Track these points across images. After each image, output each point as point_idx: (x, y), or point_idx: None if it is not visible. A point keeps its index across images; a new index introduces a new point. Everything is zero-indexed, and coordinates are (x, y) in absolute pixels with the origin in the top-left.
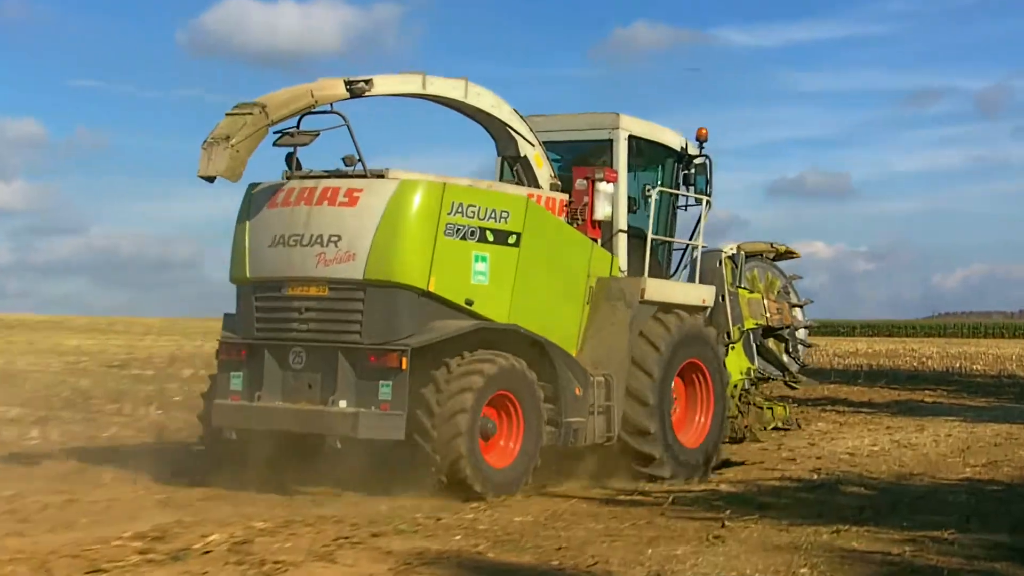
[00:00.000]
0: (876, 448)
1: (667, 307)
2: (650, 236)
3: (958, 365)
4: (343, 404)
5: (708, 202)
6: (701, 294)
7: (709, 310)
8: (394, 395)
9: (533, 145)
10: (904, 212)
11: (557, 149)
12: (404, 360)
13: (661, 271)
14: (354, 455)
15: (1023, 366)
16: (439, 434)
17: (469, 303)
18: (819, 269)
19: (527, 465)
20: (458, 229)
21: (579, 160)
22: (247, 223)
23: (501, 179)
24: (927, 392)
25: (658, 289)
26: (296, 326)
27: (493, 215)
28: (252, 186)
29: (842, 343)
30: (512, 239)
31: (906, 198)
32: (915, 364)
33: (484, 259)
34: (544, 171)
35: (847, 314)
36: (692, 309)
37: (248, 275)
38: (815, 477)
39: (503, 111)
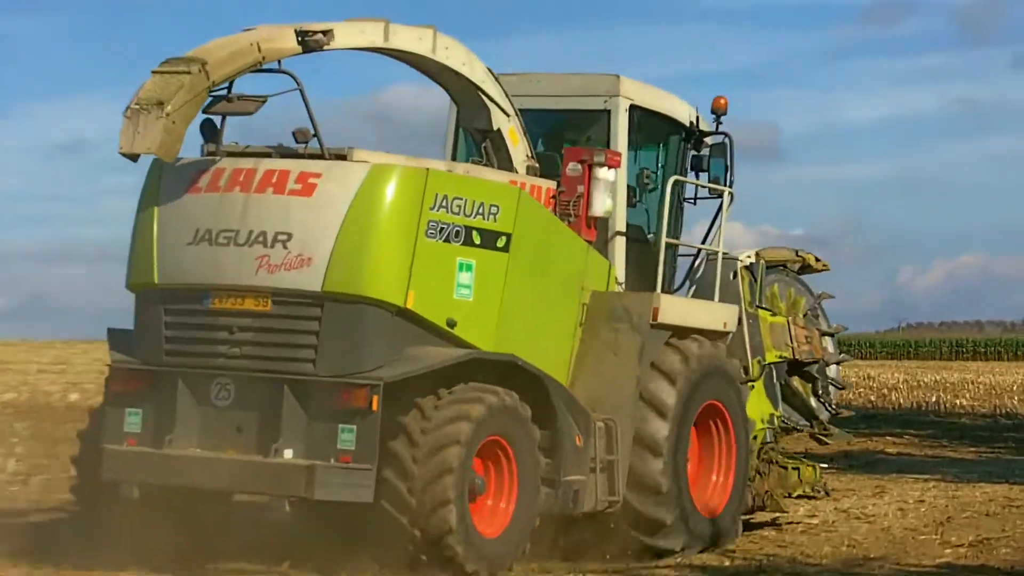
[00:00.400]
0: (816, 520)
1: (683, 332)
2: (663, 239)
3: (934, 399)
4: (288, 454)
5: (730, 194)
6: (722, 316)
7: (730, 336)
8: (359, 443)
9: (508, 116)
10: (858, 180)
11: (534, 119)
12: (375, 399)
13: (667, 284)
14: (297, 521)
15: None
16: (419, 503)
17: (451, 324)
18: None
19: (524, 530)
20: (441, 228)
21: (563, 135)
22: (155, 211)
23: (455, 157)
24: (890, 439)
25: (674, 309)
26: (224, 350)
27: (481, 210)
28: (159, 162)
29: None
30: (501, 242)
31: (860, 160)
32: (873, 398)
33: (469, 268)
34: (520, 149)
35: None
36: (711, 335)
37: (156, 280)
38: (726, 564)
39: (475, 71)
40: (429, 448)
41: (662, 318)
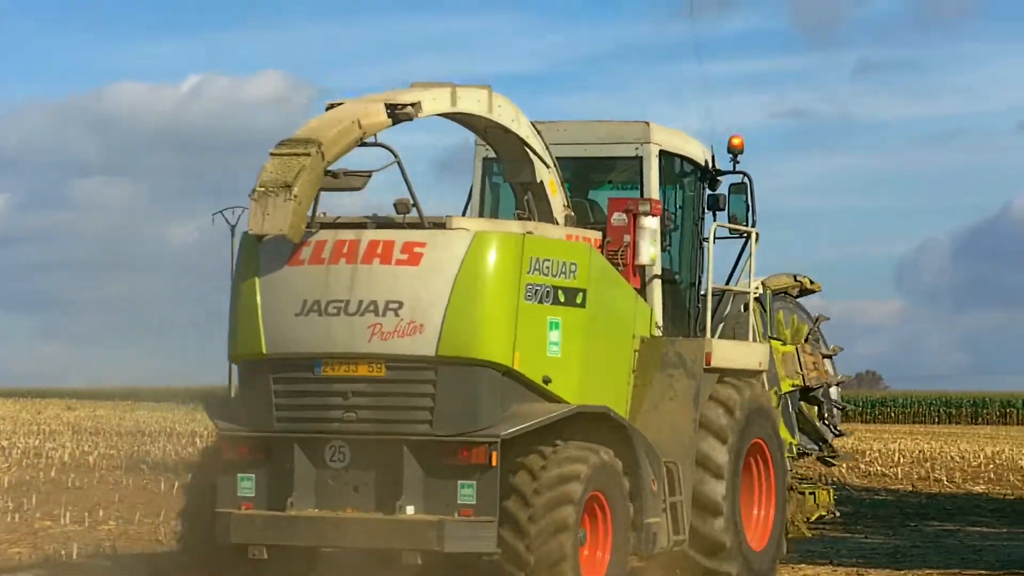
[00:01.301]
0: None
1: (723, 375)
2: (710, 284)
3: None
4: (410, 510)
5: (757, 234)
6: (758, 356)
7: (763, 375)
8: (479, 498)
9: (549, 167)
10: None
11: (562, 167)
12: (494, 454)
13: (697, 326)
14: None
15: (855, 467)
16: (537, 559)
17: (547, 381)
18: None
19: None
20: (536, 290)
21: (591, 181)
22: (255, 284)
23: (482, 211)
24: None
25: (723, 353)
26: (338, 414)
27: (563, 269)
28: (248, 236)
29: None
30: (579, 298)
31: None
32: None
33: (557, 326)
34: (558, 199)
35: None
36: (749, 374)
37: (264, 351)
38: None
39: (522, 126)
40: (543, 506)
41: (715, 363)
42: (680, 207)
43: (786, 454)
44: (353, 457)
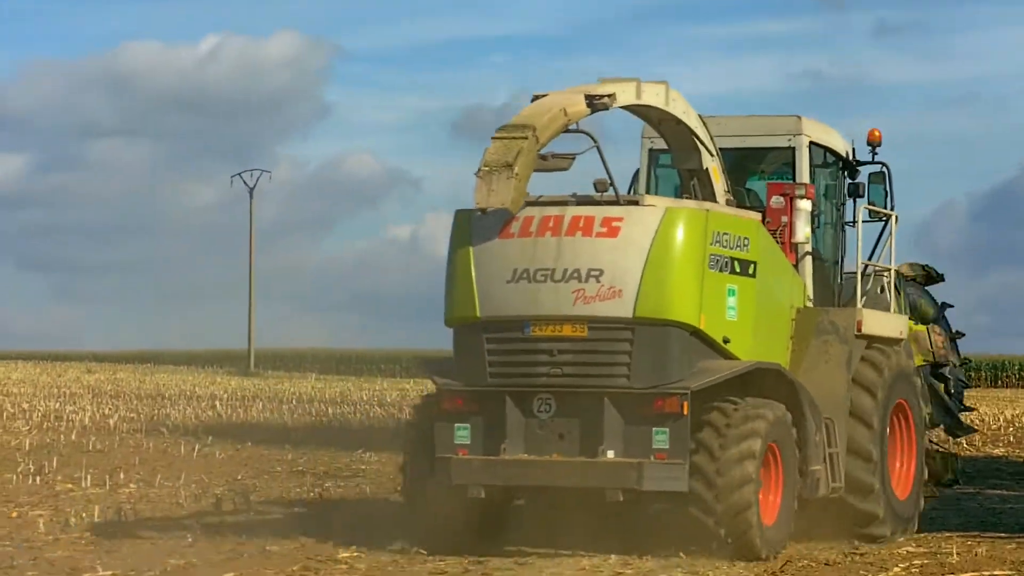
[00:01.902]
0: (631, 570)
1: (872, 342)
2: (859, 260)
3: None
4: (611, 454)
5: (896, 218)
6: (899, 325)
7: (903, 343)
8: (672, 443)
9: (713, 156)
10: None
11: (724, 157)
12: (685, 404)
13: (839, 298)
14: (603, 511)
15: None
16: (724, 508)
17: (726, 341)
18: None
19: (790, 517)
20: (717, 260)
21: (747, 169)
22: (470, 256)
23: (648, 192)
24: None
25: (872, 322)
26: (545, 370)
27: (739, 243)
28: (462, 212)
29: None
30: (751, 269)
31: None
32: None
33: (733, 292)
34: (720, 185)
35: None
36: (892, 342)
37: (478, 314)
38: None
39: (691, 117)
40: (733, 439)
41: (864, 330)
42: (824, 194)
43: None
44: (558, 408)
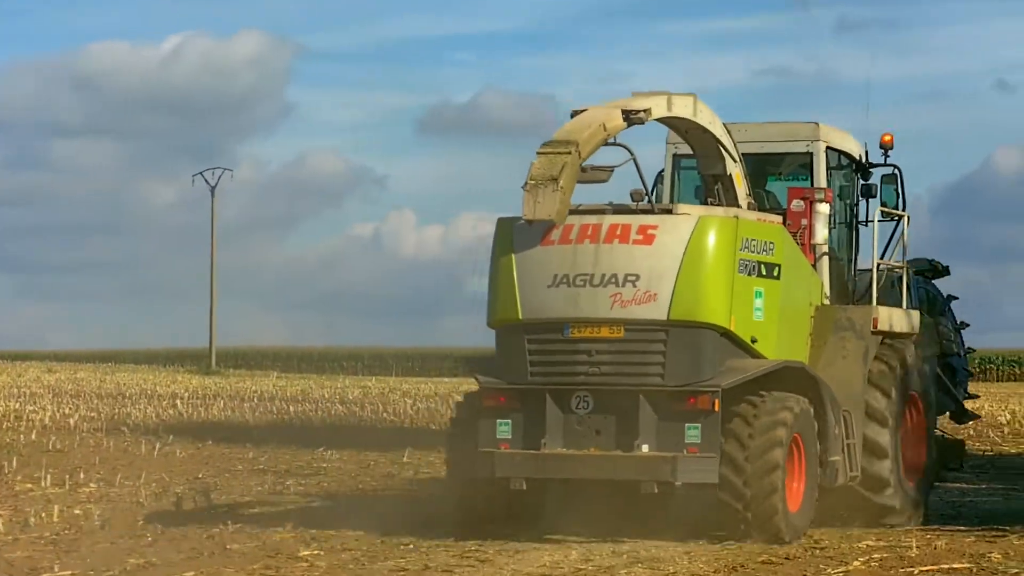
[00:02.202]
0: (591, 566)
1: (886, 337)
2: (875, 260)
3: None
4: (645, 448)
5: (908, 217)
6: (912, 322)
7: (914, 337)
8: (704, 438)
9: (736, 162)
10: (655, 157)
11: (745, 161)
12: (716, 401)
13: (853, 295)
14: (638, 502)
15: None
16: (753, 493)
17: (754, 340)
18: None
19: (812, 503)
20: (745, 265)
21: (767, 173)
22: (512, 262)
23: (675, 198)
24: None
25: (887, 319)
26: (583, 369)
27: (764, 247)
28: (504, 221)
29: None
30: (776, 272)
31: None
32: None
33: (760, 294)
34: (743, 190)
35: None
36: (905, 337)
37: (520, 317)
38: None
39: (716, 126)
40: (757, 449)
41: (880, 326)
42: (839, 195)
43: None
44: (596, 405)
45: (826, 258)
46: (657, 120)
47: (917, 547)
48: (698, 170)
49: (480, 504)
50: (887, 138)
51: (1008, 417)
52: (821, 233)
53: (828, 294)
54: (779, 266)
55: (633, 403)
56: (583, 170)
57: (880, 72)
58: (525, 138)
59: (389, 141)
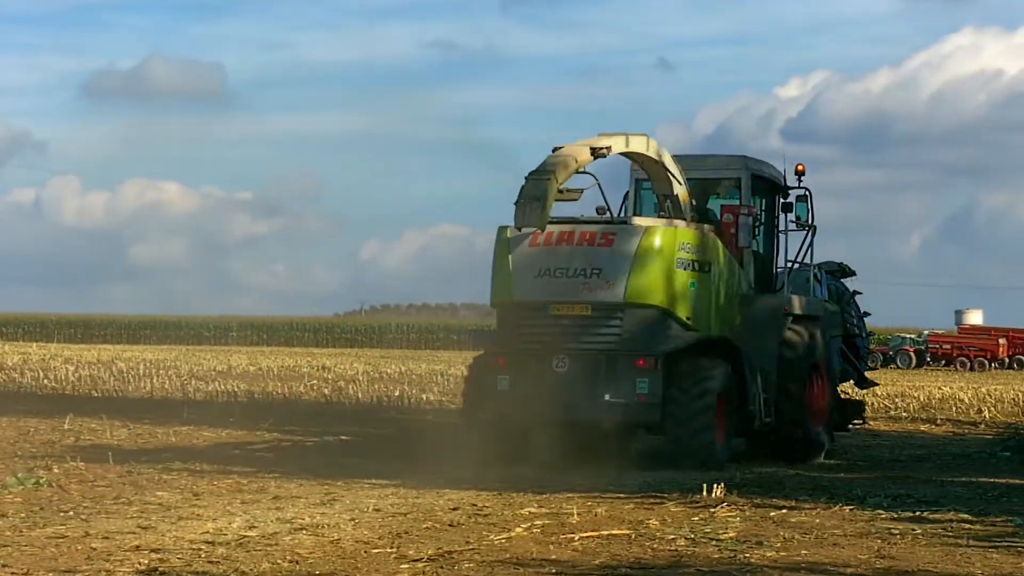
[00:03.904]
0: (255, 532)
1: (796, 319)
2: (785, 260)
3: (398, 393)
4: (607, 397)
5: (814, 228)
6: (816, 308)
7: (819, 319)
8: (650, 389)
9: (681, 184)
10: (319, 136)
11: (692, 185)
12: (659, 363)
13: (774, 286)
14: (607, 437)
15: None
16: (690, 432)
17: (689, 319)
18: (170, 233)
19: (731, 442)
20: (682, 262)
21: (707, 192)
22: (508, 258)
23: (636, 211)
24: (345, 439)
25: (795, 304)
26: (561, 338)
27: (696, 249)
28: (503, 228)
29: (206, 355)
30: (707, 268)
31: (322, 112)
32: (327, 391)
33: (694, 285)
34: (687, 206)
35: (211, 307)
36: (811, 319)
37: (514, 299)
38: None
39: (664, 158)
40: (693, 396)
41: (789, 310)
42: (764, 210)
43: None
44: (570, 364)
45: (752, 258)
46: (619, 154)
47: (578, 514)
48: (652, 191)
49: (488, 441)
50: (800, 168)
51: None
52: (744, 239)
53: (753, 285)
54: (709, 263)
55: (598, 363)
56: (560, 192)
57: (543, 47)
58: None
59: (52, 106)
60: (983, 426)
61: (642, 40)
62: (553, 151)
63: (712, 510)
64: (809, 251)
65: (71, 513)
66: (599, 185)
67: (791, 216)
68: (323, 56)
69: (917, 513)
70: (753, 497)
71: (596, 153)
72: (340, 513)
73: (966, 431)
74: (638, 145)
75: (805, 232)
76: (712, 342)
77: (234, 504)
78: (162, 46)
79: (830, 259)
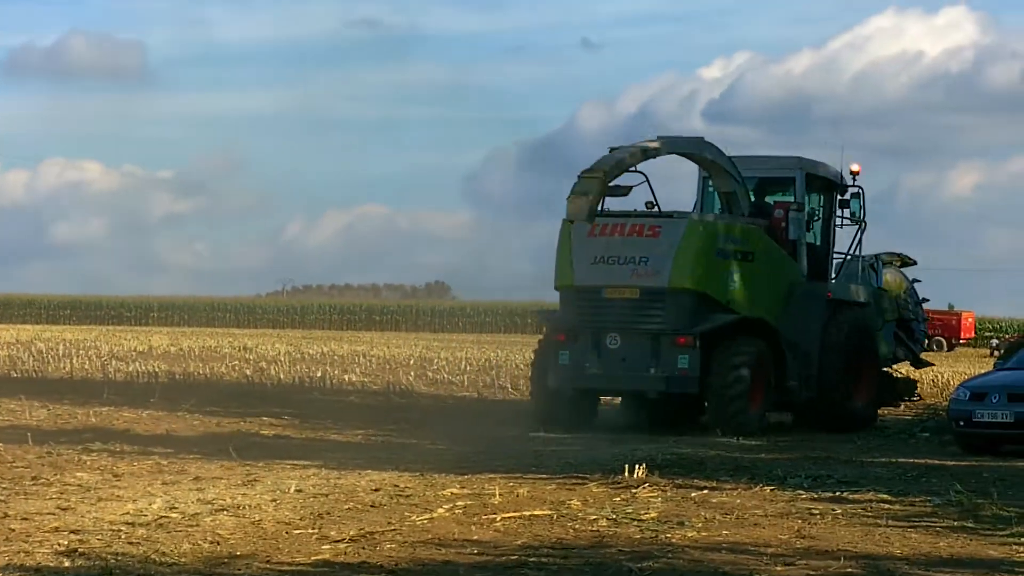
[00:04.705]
0: (176, 513)
1: (842, 303)
2: (831, 252)
3: (320, 373)
4: (652, 371)
5: (864, 224)
6: (862, 294)
7: (866, 306)
8: (690, 364)
9: (739, 183)
10: (239, 114)
11: (750, 182)
12: (697, 341)
13: (828, 276)
14: (652, 405)
15: (423, 375)
16: (728, 399)
17: (728, 302)
18: (90, 212)
19: (764, 412)
20: (722, 251)
21: (765, 191)
22: (569, 246)
23: (703, 208)
24: (266, 419)
25: (839, 290)
26: (613, 317)
27: (739, 240)
28: (566, 221)
29: (126, 336)
30: (749, 257)
31: (242, 90)
32: (249, 372)
33: (735, 272)
34: (745, 202)
35: (132, 287)
36: (859, 305)
37: (573, 283)
38: (67, 565)
39: (721, 158)
40: (727, 370)
41: (833, 296)
42: (821, 206)
43: (887, 358)
44: (622, 342)
45: (804, 249)
46: (677, 154)
47: (500, 494)
48: (713, 188)
49: (551, 406)
50: (855, 169)
51: None
52: (794, 232)
53: (805, 274)
54: (752, 253)
55: (645, 340)
56: (610, 188)
57: (468, 26)
58: (113, 81)
59: None
60: (902, 407)
61: (566, 18)
62: (610, 151)
63: (634, 491)
64: (859, 243)
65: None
66: (648, 183)
67: (847, 212)
68: (246, 34)
69: (837, 493)
70: (674, 478)
71: (648, 153)
72: (261, 494)
73: (885, 413)
74: (687, 146)
75: (857, 227)
76: (749, 322)
77: (155, 485)
78: (81, 22)
79: (891, 250)
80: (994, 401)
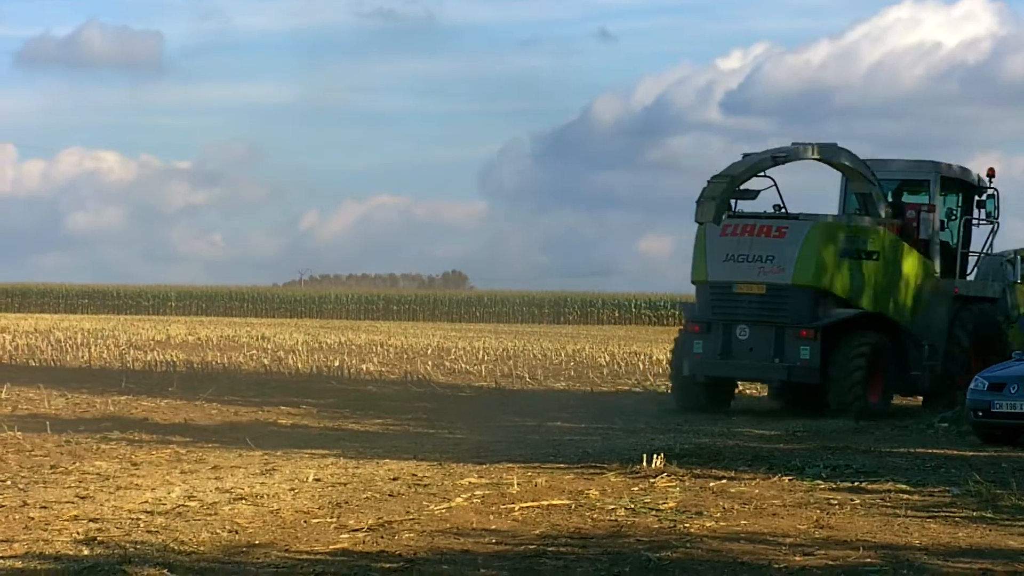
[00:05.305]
0: (195, 503)
1: (970, 299)
2: (960, 250)
3: (338, 363)
4: (777, 361)
5: (997, 224)
6: (993, 290)
7: (997, 300)
8: (811, 355)
9: (874, 184)
10: (257, 105)
11: (886, 184)
12: (818, 334)
13: (962, 272)
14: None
15: (441, 364)
16: (847, 388)
17: (851, 298)
18: (107, 202)
19: (888, 402)
20: (846, 251)
21: (903, 192)
22: (704, 245)
23: (844, 209)
24: (284, 408)
25: (967, 287)
26: (742, 310)
27: (863, 240)
28: (701, 224)
29: (144, 325)
30: (874, 256)
31: (260, 80)
32: (267, 361)
33: (859, 269)
34: (881, 203)
35: (149, 276)
36: (988, 300)
37: (707, 279)
38: (85, 553)
39: (857, 163)
40: (846, 360)
41: (959, 292)
42: (958, 206)
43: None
44: (750, 333)
45: (937, 247)
46: (812, 159)
47: (518, 484)
48: (851, 190)
49: (688, 393)
50: (991, 170)
51: (607, 359)
52: (925, 231)
53: (937, 271)
54: (877, 252)
55: (771, 332)
56: (741, 192)
57: (482, 17)
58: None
59: None
60: (920, 398)
61: (583, 10)
62: (743, 157)
63: (652, 480)
64: (991, 242)
65: (8, 483)
66: (776, 186)
67: (983, 212)
68: (262, 25)
69: (856, 483)
70: (693, 467)
71: (778, 160)
72: (279, 483)
73: (904, 403)
74: (823, 152)
75: (991, 226)
76: (869, 317)
77: (173, 474)
78: (98, 13)
79: None
80: (1013, 392)
